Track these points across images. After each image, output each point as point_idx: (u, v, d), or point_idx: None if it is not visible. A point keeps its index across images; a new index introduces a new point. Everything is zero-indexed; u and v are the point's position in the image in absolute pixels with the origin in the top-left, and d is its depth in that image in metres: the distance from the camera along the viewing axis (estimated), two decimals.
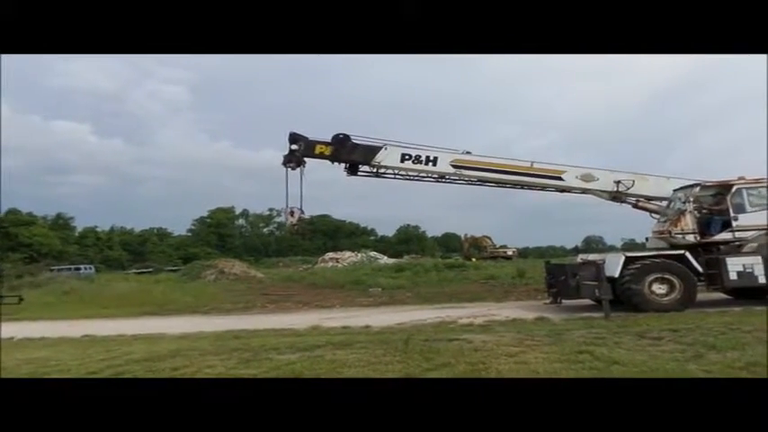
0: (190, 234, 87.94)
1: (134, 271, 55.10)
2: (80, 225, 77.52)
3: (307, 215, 15.57)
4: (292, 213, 15.02)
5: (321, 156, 14.76)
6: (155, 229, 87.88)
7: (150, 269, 55.34)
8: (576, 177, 14.65)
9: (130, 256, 75.71)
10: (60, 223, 73.86)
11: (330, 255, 49.08)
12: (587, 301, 13.09)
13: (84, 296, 22.82)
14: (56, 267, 41.93)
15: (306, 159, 14.77)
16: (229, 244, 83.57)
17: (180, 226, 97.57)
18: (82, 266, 48.38)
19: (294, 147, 14.76)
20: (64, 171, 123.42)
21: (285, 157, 14.80)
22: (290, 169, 14.74)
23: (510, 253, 51.73)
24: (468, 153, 14.83)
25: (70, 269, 43.95)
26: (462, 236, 58.99)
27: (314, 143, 14.76)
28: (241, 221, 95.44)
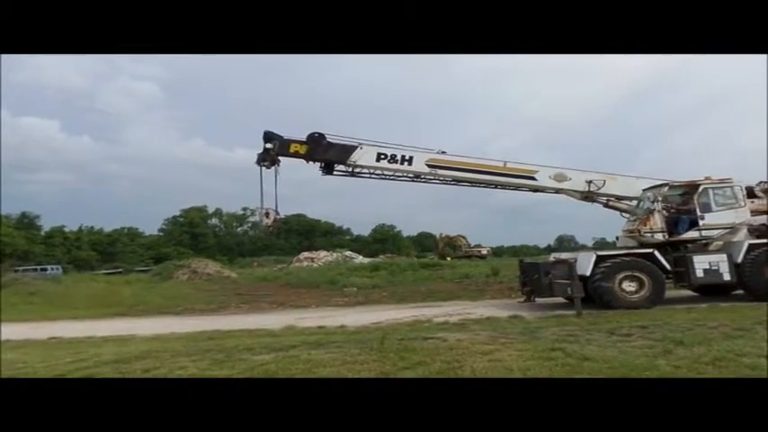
0: (162, 234, 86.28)
1: (103, 272, 53.76)
2: (48, 224, 75.34)
3: (282, 215, 15.43)
4: (267, 214, 14.88)
5: (296, 155, 14.65)
6: (125, 229, 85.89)
7: (120, 270, 54.14)
8: (549, 177, 14.87)
9: (100, 256, 73.79)
10: (26, 222, 71.54)
11: (305, 254, 48.81)
12: (560, 300, 13.30)
13: (50, 297, 22.17)
14: (21, 268, 40.59)
15: (280, 158, 14.67)
16: (203, 244, 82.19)
17: (151, 226, 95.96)
18: (48, 267, 46.92)
19: (269, 145, 14.60)
20: (32, 169, 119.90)
21: (259, 155, 14.64)
22: (264, 168, 14.60)
23: (484, 252, 52.27)
24: (443, 153, 14.92)
25: (36, 270, 42.61)
26: (437, 235, 59.36)
27: (289, 142, 14.64)
28: (215, 221, 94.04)
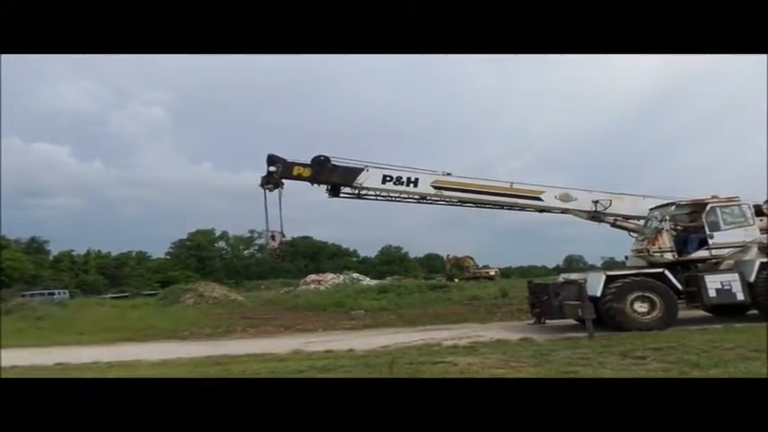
0: (169, 257, 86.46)
1: (110, 295, 53.75)
2: (57, 249, 75.83)
3: (287, 237, 15.46)
4: (273, 237, 14.92)
5: (300, 177, 14.75)
6: (133, 253, 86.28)
7: (127, 294, 54.10)
8: (555, 197, 14.84)
9: (107, 280, 73.96)
10: (35, 247, 72.07)
11: (312, 277, 48.60)
12: (571, 321, 13.12)
13: (57, 322, 22.12)
14: (28, 293, 40.72)
15: (285, 181, 14.74)
16: (209, 267, 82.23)
17: (159, 249, 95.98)
18: (56, 291, 47.09)
19: (272, 168, 14.74)
20: (42, 194, 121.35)
21: (263, 178, 14.76)
22: (268, 191, 14.69)
23: (492, 273, 51.86)
24: (448, 174, 14.94)
25: (43, 294, 42.73)
26: (444, 256, 59.10)
27: (292, 165, 14.75)
28: (221, 244, 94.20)
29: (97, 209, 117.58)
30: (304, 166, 14.70)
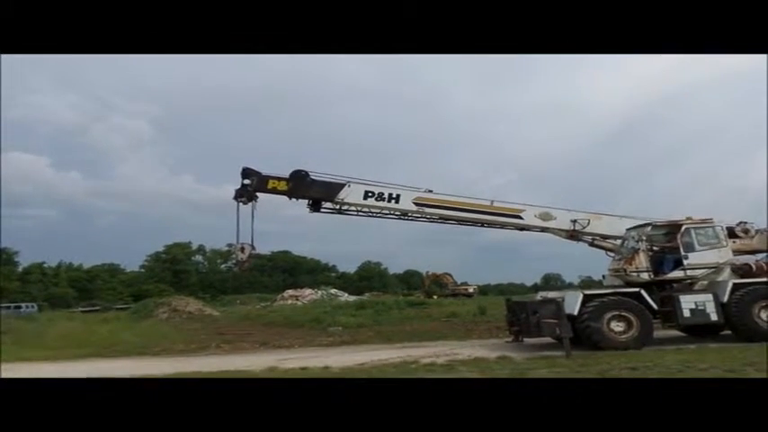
0: (143, 270, 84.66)
1: (80, 309, 52.27)
2: (29, 260, 73.63)
3: (257, 250, 15.25)
4: (243, 249, 14.73)
5: (274, 191, 14.67)
6: (105, 265, 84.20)
7: (98, 307, 52.64)
8: (535, 216, 14.96)
9: (78, 293, 71.96)
10: (3, 258, 69.86)
11: (290, 292, 48.11)
12: (548, 339, 13.12)
13: (23, 337, 21.30)
14: None
15: (266, 195, 14.62)
16: (185, 281, 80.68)
17: (134, 262, 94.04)
18: (23, 305, 45.58)
19: (247, 181, 14.62)
20: (18, 204, 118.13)
21: (237, 191, 14.63)
22: (241, 204, 14.55)
23: (471, 290, 52.05)
24: (429, 191, 14.97)
25: (9, 308, 41.32)
26: (424, 273, 59.14)
27: (267, 178, 14.65)
28: (198, 257, 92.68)
29: (72, 220, 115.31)
30: (279, 179, 14.60)
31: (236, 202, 14.52)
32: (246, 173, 14.69)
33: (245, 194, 14.52)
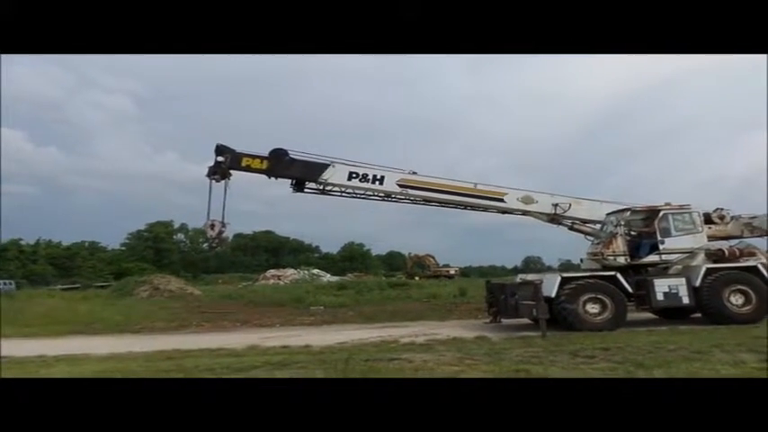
0: (124, 248, 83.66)
1: (60, 287, 51.59)
2: (5, 237, 72.12)
3: (233, 229, 15.30)
4: (213, 226, 14.68)
5: (248, 168, 14.60)
6: (85, 243, 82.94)
7: (77, 285, 52.01)
8: (517, 199, 15.13)
9: (57, 271, 70.89)
10: None
11: (272, 272, 48.09)
12: (526, 321, 13.38)
13: (2, 314, 21.09)
14: None
15: (245, 174, 14.59)
16: (166, 259, 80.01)
17: (115, 240, 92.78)
18: (1, 282, 44.89)
19: (220, 159, 14.52)
20: None
21: (210, 168, 14.56)
22: (214, 182, 14.48)
23: (452, 272, 52.48)
24: (414, 173, 15.03)
25: None
26: (406, 254, 59.43)
27: (241, 156, 14.58)
28: (180, 236, 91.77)
29: (52, 197, 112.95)
30: (254, 157, 14.53)
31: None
32: (220, 150, 14.60)
33: (219, 172, 14.45)
